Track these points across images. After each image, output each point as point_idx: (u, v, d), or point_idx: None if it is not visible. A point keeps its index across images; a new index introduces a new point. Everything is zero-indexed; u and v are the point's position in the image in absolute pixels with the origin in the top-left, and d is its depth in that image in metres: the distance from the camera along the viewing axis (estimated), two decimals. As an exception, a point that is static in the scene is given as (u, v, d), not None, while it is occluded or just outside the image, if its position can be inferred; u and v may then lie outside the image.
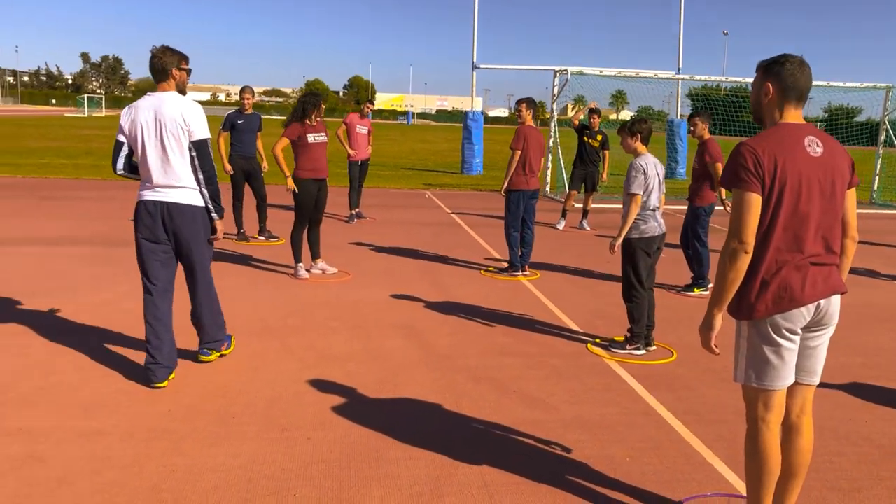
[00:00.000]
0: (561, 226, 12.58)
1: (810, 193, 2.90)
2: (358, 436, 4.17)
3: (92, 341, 5.58)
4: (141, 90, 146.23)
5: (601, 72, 17.50)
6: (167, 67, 4.73)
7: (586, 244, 11.16)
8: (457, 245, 10.53)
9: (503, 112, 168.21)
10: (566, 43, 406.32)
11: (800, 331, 2.98)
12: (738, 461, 3.98)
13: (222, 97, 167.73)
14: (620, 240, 5.76)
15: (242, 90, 9.92)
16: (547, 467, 3.88)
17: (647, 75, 18.20)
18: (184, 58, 4.84)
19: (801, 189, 2.89)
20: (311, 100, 7.78)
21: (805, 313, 2.93)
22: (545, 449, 4.10)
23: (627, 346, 5.79)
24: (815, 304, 2.93)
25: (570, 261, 9.61)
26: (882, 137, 18.43)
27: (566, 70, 16.60)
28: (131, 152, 4.81)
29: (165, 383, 4.77)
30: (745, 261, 2.86)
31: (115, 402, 4.51)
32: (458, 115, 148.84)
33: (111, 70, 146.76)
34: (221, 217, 4.91)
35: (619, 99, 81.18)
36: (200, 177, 4.76)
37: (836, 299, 2.99)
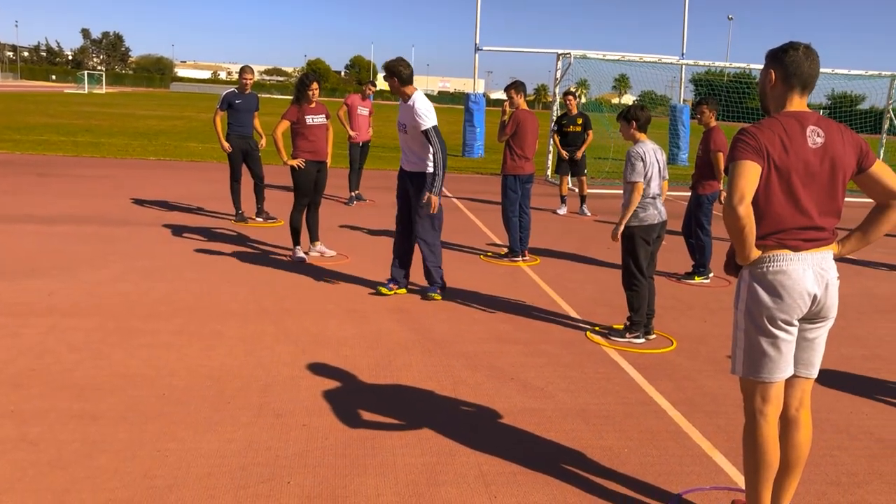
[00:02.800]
0: (562, 211, 12.51)
1: (806, 183, 2.85)
2: (353, 422, 4.13)
3: (87, 322, 5.53)
4: (142, 67, 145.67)
5: (604, 56, 17.35)
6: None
7: (587, 230, 11.09)
8: (457, 229, 10.45)
9: (500, 93, 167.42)
10: (570, 26, 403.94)
11: (796, 322, 2.92)
12: (737, 453, 3.94)
13: (223, 75, 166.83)
14: (622, 228, 5.69)
15: (242, 70, 9.82)
16: (544, 457, 3.83)
17: (651, 60, 18.04)
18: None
19: (796, 178, 2.84)
20: (305, 80, 7.71)
21: (801, 304, 2.87)
22: (543, 438, 4.05)
23: (627, 335, 5.75)
24: (812, 295, 2.87)
25: (571, 247, 9.55)
26: (886, 126, 18.32)
27: (569, 53, 16.45)
28: None
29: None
30: (744, 221, 2.78)
31: (109, 384, 4.46)
32: (461, 98, 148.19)
33: (112, 47, 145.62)
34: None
35: (622, 83, 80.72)
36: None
37: (833, 292, 2.94)
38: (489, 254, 8.83)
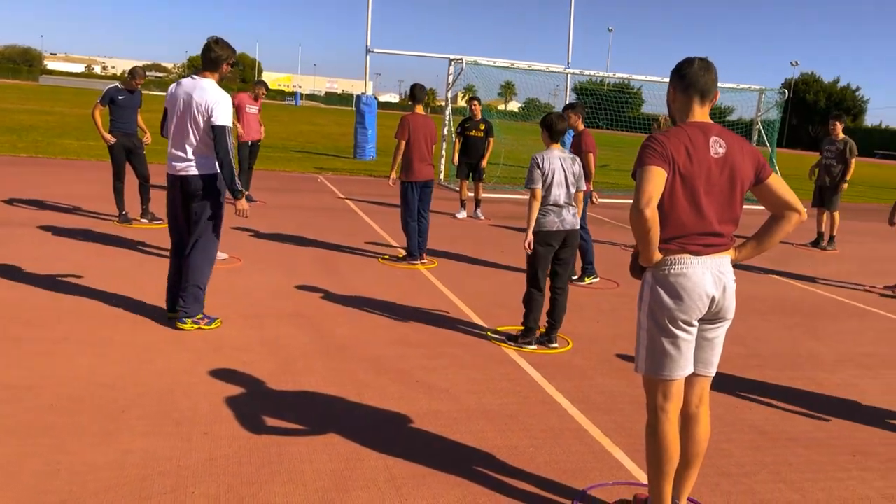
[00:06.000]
0: (461, 215, 12.66)
1: (708, 190, 3.02)
2: (257, 429, 4.03)
3: (-41, 330, 5.15)
4: (6, 58, 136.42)
5: (495, 62, 17.67)
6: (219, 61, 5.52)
7: (482, 233, 11.27)
8: (352, 232, 10.39)
9: (394, 97, 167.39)
10: (458, 32, 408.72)
11: (696, 323, 3.09)
12: (636, 450, 4.11)
13: (98, 70, 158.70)
14: (529, 235, 5.74)
15: (134, 71, 9.49)
16: (453, 458, 3.87)
17: (539, 68, 18.52)
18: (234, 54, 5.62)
19: (699, 185, 3.00)
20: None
21: (700, 305, 3.04)
22: (450, 439, 4.09)
23: (519, 340, 5.81)
24: (710, 297, 3.04)
25: (468, 250, 9.67)
26: (755, 137, 19.53)
27: (461, 59, 16.66)
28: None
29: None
30: (648, 224, 2.89)
31: (-12, 396, 4.17)
32: (349, 99, 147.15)
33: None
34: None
35: (507, 90, 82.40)
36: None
37: (731, 295, 3.12)
38: (387, 256, 8.82)
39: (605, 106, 26.72)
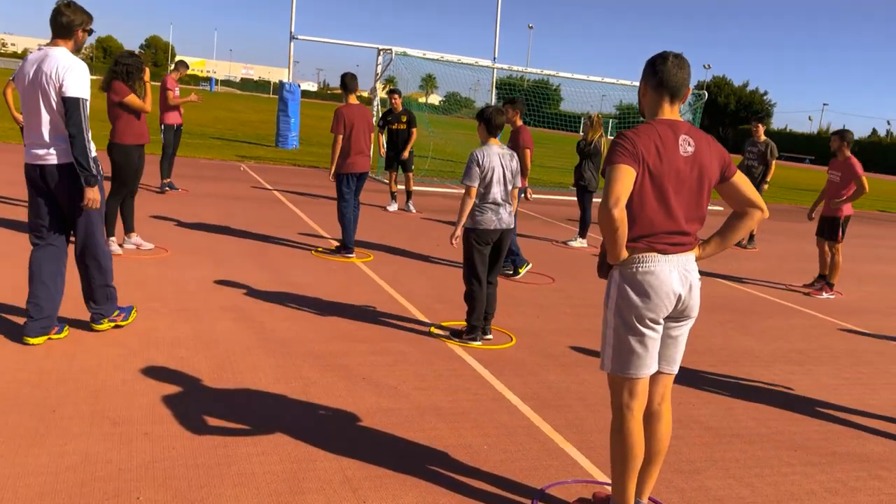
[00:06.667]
0: (392, 207, 12.51)
1: (677, 189, 3.01)
2: (201, 429, 3.84)
3: None
4: None
5: (424, 54, 17.55)
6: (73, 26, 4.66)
7: (415, 227, 11.16)
8: (281, 222, 10.11)
9: (312, 86, 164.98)
10: (380, 22, 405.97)
11: (662, 321, 3.08)
12: (589, 447, 4.10)
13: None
14: (458, 231, 5.68)
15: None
16: (408, 457, 3.77)
17: (468, 62, 18.48)
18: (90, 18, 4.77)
19: (668, 184, 2.99)
20: (135, 63, 7.07)
21: (667, 303, 3.03)
22: (403, 438, 3.99)
23: (464, 336, 5.75)
24: (677, 295, 3.04)
25: (402, 243, 9.55)
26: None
27: (391, 49, 16.47)
28: None
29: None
30: (617, 224, 2.86)
31: None
32: (265, 86, 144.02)
33: None
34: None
35: (429, 83, 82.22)
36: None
37: (696, 293, 3.13)
38: (320, 249, 8.62)
39: (526, 102, 26.99)
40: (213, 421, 3.95)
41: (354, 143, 8.15)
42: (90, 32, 4.81)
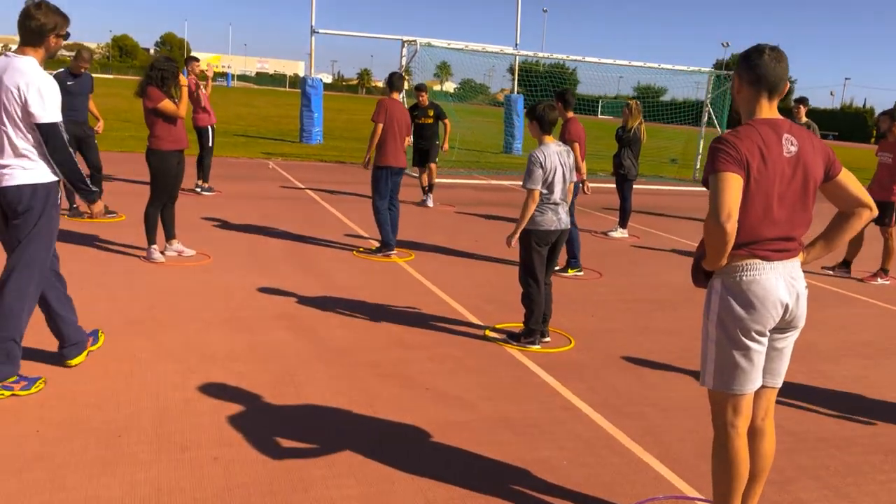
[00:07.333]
0: (430, 203, 12.35)
1: (782, 193, 2.82)
2: (270, 452, 3.70)
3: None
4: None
5: (449, 44, 17.34)
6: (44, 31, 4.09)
7: (451, 222, 10.99)
8: (318, 222, 9.98)
9: (327, 77, 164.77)
10: (394, 11, 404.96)
11: (768, 333, 2.90)
12: (672, 458, 3.93)
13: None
14: (516, 236, 5.49)
15: (80, 53, 8.84)
16: (487, 476, 3.62)
17: (493, 50, 18.24)
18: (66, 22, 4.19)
19: (773, 189, 2.80)
20: (173, 67, 6.94)
21: (774, 314, 2.85)
22: (477, 454, 3.84)
23: (522, 340, 5.58)
24: (784, 305, 2.85)
25: (440, 240, 9.38)
26: (705, 119, 19.72)
27: (415, 41, 16.27)
28: None
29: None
30: (728, 238, 2.69)
31: (-38, 424, 3.73)
32: (280, 79, 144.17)
33: None
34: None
35: (444, 70, 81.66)
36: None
37: (803, 302, 2.94)
38: (361, 249, 8.47)
39: (543, 87, 26.75)
40: (280, 441, 3.81)
41: (393, 137, 8.03)
42: (66, 37, 4.24)
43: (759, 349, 2.89)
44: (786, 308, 2.87)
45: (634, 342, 5.84)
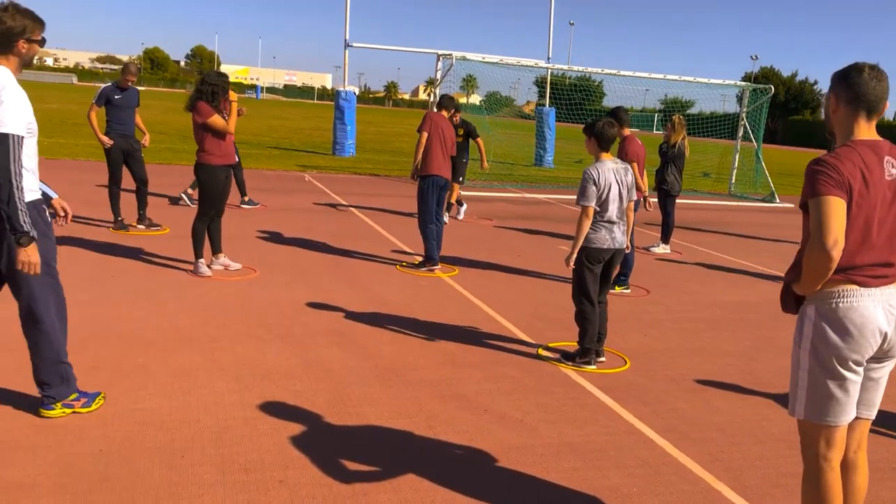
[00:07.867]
0: (461, 216, 12.30)
1: (882, 218, 2.71)
2: (335, 474, 3.64)
3: (-25, 360, 4.64)
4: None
5: (483, 58, 17.31)
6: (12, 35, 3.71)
7: (490, 236, 10.92)
8: (359, 235, 9.95)
9: (355, 90, 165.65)
10: (423, 26, 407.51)
11: (865, 362, 2.78)
12: (743, 486, 3.80)
13: (49, 62, 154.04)
14: (574, 256, 5.40)
15: (126, 67, 8.94)
16: (554, 503, 3.53)
17: (528, 64, 18.20)
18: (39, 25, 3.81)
19: (873, 213, 2.69)
20: (222, 83, 6.95)
21: (872, 343, 2.73)
22: (545, 481, 3.74)
23: (577, 360, 5.47)
24: (883, 333, 2.74)
25: (481, 255, 9.30)
26: (741, 133, 19.49)
27: (451, 55, 16.27)
28: None
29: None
30: (832, 265, 2.61)
31: (26, 441, 3.71)
32: (309, 91, 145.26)
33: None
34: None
35: (469, 83, 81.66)
36: None
37: None
38: (404, 263, 8.42)
39: (569, 99, 26.69)
40: (344, 463, 3.75)
41: (438, 148, 8.03)
42: (42, 42, 3.84)
43: (855, 379, 2.77)
44: (884, 337, 2.75)
45: (692, 363, 5.71)
